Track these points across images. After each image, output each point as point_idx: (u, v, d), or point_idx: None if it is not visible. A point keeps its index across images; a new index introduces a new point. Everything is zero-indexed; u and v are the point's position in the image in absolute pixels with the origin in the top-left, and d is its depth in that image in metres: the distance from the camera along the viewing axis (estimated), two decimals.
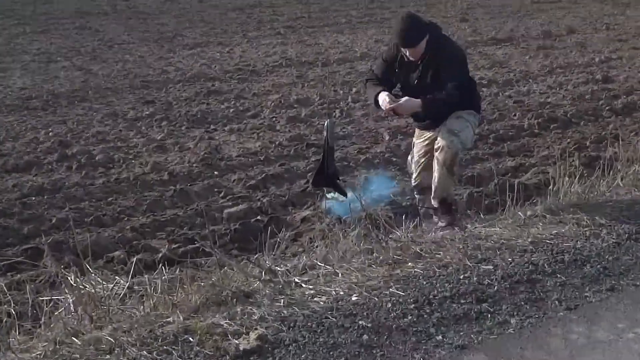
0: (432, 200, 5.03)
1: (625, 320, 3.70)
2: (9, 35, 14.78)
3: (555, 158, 6.42)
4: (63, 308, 3.67)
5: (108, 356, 3.22)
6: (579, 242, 4.59)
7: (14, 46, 13.68)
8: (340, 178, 5.75)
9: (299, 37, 14.87)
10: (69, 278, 3.91)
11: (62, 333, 3.40)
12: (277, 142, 7.87)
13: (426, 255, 4.34)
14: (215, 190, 6.47)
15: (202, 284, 3.84)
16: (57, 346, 3.25)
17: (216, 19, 17.20)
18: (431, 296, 3.90)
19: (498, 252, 4.42)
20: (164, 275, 3.99)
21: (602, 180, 5.43)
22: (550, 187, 5.29)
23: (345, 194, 5.58)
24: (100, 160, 7.17)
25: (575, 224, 4.78)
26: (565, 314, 3.74)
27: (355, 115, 8.96)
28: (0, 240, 5.20)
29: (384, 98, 4.66)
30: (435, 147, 4.86)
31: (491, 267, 4.24)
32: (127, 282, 3.92)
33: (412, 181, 5.30)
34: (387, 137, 7.65)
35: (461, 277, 4.11)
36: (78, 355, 3.21)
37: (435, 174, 4.90)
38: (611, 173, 5.57)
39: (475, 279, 4.09)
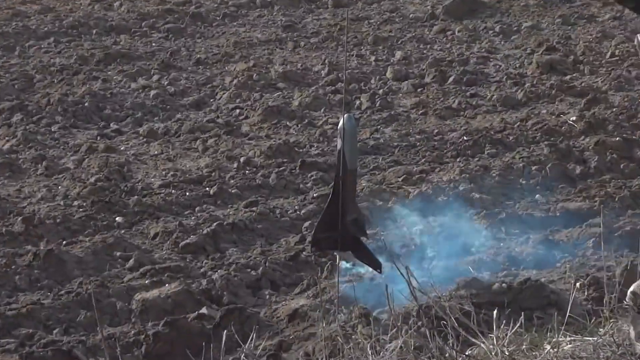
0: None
1: None
2: None
3: None
4: None
5: None
6: None
7: None
8: (369, 233, 4.72)
9: None
10: None
11: None
12: (242, 159, 6.58)
13: None
14: (118, 254, 5.27)
15: None
16: None
17: None
18: None
19: None
20: None
21: None
22: None
23: (378, 266, 4.26)
24: None
25: None
26: None
27: (401, 106, 7.51)
28: None
29: None
30: None
31: None
32: None
33: None
34: None
35: None
36: None
37: None
38: None
39: None
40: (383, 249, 4.92)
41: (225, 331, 4.02)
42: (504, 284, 4.70)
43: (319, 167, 6.52)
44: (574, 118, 7.28)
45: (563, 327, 3.55)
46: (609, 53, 8.69)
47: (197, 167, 6.60)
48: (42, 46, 9.12)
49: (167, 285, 4.89)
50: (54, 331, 4.40)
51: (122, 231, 5.68)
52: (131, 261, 5.18)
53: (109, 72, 8.45)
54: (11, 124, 7.34)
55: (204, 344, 4.03)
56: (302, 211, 5.87)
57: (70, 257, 5.14)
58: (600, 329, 3.65)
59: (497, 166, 6.32)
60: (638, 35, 3.81)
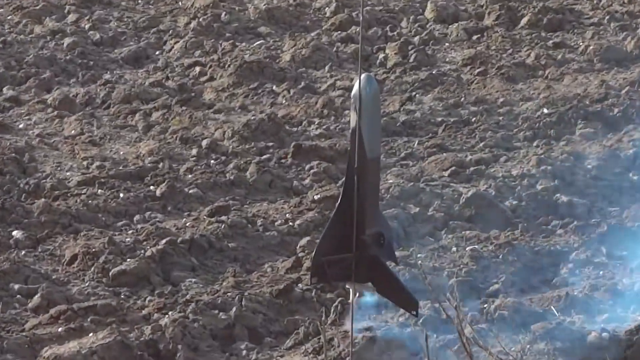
0: None
1: None
2: None
3: None
4: None
5: None
6: None
7: None
8: (398, 255, 4.62)
9: None
10: None
11: None
12: (205, 143, 6.95)
13: None
14: (16, 287, 5.40)
15: None
16: None
17: None
18: None
19: None
20: None
21: None
22: None
23: (413, 305, 3.88)
24: None
25: None
26: None
27: (447, 62, 8.03)
28: None
29: None
30: None
31: None
32: None
33: None
34: None
35: None
36: None
37: None
38: None
39: None
40: (420, 279, 5.11)
41: None
42: (604, 333, 4.75)
43: (322, 154, 6.56)
44: None
45: None
46: None
47: (135, 155, 6.63)
48: None
49: (91, 334, 4.91)
50: None
51: (22, 252, 5.79)
52: (36, 298, 5.28)
53: (1, 11, 8.55)
54: None
55: None
56: (297, 222, 5.87)
57: None
58: None
59: (596, 153, 6.45)
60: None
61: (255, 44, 8.00)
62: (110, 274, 5.33)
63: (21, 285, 5.50)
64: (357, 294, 4.18)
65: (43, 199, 5.96)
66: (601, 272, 5.58)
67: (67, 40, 7.90)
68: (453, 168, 6.32)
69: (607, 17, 8.19)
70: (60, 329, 5.25)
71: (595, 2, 8.60)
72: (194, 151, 6.51)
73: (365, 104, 3.80)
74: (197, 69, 7.73)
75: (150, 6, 8.56)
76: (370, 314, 5.37)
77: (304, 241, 5.69)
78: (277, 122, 6.77)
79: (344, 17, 8.18)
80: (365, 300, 4.68)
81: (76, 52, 7.85)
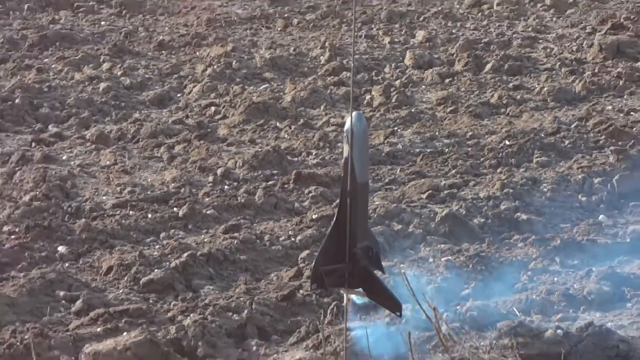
0: None
1: None
2: None
3: None
4: None
5: None
6: None
7: None
8: (385, 265, 4.84)
9: None
10: None
11: None
12: (220, 171, 6.71)
13: None
14: (61, 294, 5.29)
15: None
16: None
17: None
18: None
19: None
20: None
21: None
22: None
23: (397, 307, 4.22)
24: None
25: None
26: None
27: (424, 102, 7.93)
28: None
29: None
30: None
31: None
32: None
33: None
34: None
35: None
36: None
37: None
38: None
39: None
40: (403, 285, 4.81)
41: None
42: (559, 330, 4.82)
43: (319, 180, 6.53)
44: None
45: None
46: None
47: (161, 182, 6.67)
48: None
49: (125, 333, 4.91)
50: None
51: (67, 264, 5.70)
52: (78, 303, 5.17)
53: (46, 60, 8.49)
54: None
55: None
56: (298, 237, 6.00)
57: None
58: None
59: (550, 178, 6.39)
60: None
61: (261, 87, 7.95)
62: (140, 282, 5.35)
63: (65, 292, 5.44)
64: (349, 298, 4.38)
65: (83, 219, 5.94)
66: (555, 279, 5.58)
67: (102, 85, 7.87)
68: (430, 191, 6.32)
69: (559, 64, 8.14)
70: (98, 329, 5.03)
71: (548, 51, 8.59)
72: (211, 178, 6.48)
73: (355, 137, 3.97)
74: (212, 108, 7.68)
75: (172, 56, 8.50)
76: (361, 315, 5.52)
77: (304, 254, 5.71)
78: (280, 153, 6.76)
79: (336, 65, 8.15)
80: (357, 303, 4.76)
81: (110, 95, 7.81)
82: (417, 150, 7.04)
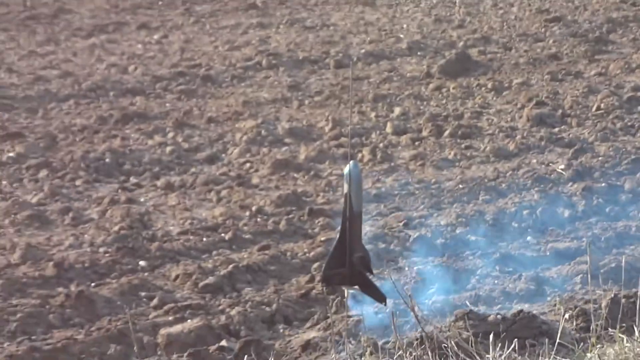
0: None
1: None
2: None
3: None
4: None
5: None
6: None
7: None
8: (374, 270, 4.63)
9: (290, 13, 11.87)
10: None
11: None
12: (254, 208, 6.72)
13: None
14: (143, 294, 5.43)
15: None
16: None
17: None
18: None
19: None
20: None
21: None
22: None
23: (383, 299, 4.35)
24: None
25: None
26: None
27: (400, 158, 7.74)
28: None
29: None
30: None
31: None
32: None
33: None
34: None
35: None
36: None
37: None
38: None
39: None
40: (387, 284, 4.96)
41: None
42: (498, 316, 4.80)
43: (325, 214, 6.68)
44: (563, 167, 7.64)
45: (553, 353, 3.82)
46: (594, 107, 9.02)
47: (212, 216, 6.76)
48: (63, 108, 9.28)
49: (189, 321, 5.09)
50: None
51: (146, 274, 5.80)
52: (155, 300, 5.35)
53: (127, 131, 8.66)
54: (38, 180, 7.37)
55: None
56: (311, 254, 6.02)
57: (99, 297, 5.36)
58: (587, 354, 3.91)
59: (492, 212, 6.51)
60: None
61: (283, 149, 8.01)
62: (199, 285, 5.48)
63: (146, 292, 5.59)
64: (349, 293, 4.67)
65: (157, 242, 6.06)
66: (496, 281, 5.67)
67: (168, 148, 7.96)
68: (405, 221, 6.44)
69: (498, 130, 8.31)
70: (170, 318, 5.17)
71: (490, 121, 8.58)
72: (247, 213, 6.58)
73: (352, 178, 4.18)
74: (248, 164, 7.74)
75: (218, 127, 8.53)
76: (357, 306, 5.37)
77: (315, 265, 5.79)
78: (297, 195, 6.91)
79: (336, 132, 8.20)
80: (353, 300, 5.03)
81: (174, 155, 7.89)
82: (396, 192, 7.08)
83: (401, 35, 11.31)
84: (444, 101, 9.43)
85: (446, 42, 10.95)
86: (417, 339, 4.26)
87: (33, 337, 4.81)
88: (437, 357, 3.86)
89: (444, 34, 11.38)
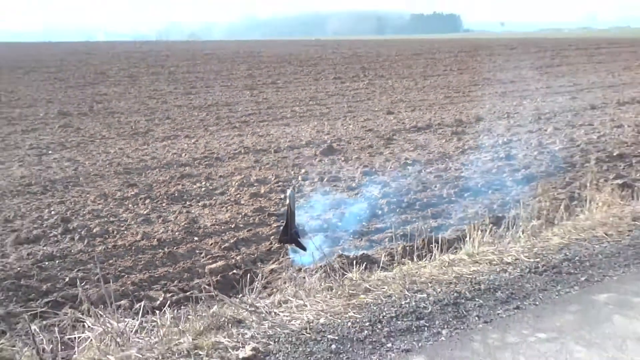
0: None
1: (529, 328, 4.76)
2: (2, 133, 15.88)
3: (469, 218, 7.98)
4: (92, 338, 4.43)
5: None
6: (491, 275, 5.70)
7: (9, 142, 14.62)
8: (303, 238, 6.85)
9: (252, 129, 16.31)
10: (87, 321, 4.66)
11: (97, 356, 4.24)
12: (243, 213, 8.81)
13: (374, 289, 5.29)
14: (197, 252, 7.39)
15: (204, 314, 4.66)
16: None
17: (180, 116, 18.74)
18: (381, 317, 4.88)
19: (429, 285, 5.44)
20: (167, 315, 4.73)
21: (507, 232, 6.73)
22: (468, 239, 6.47)
23: (304, 249, 6.55)
24: (97, 232, 7.93)
25: (488, 263, 5.96)
26: (484, 326, 4.80)
27: (305, 190, 10.09)
28: (24, 296, 6.09)
29: None
30: None
31: (425, 295, 5.26)
32: (137, 320, 4.71)
33: None
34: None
35: (402, 303, 5.10)
36: None
37: None
38: (514, 227, 6.79)
39: (413, 303, 5.10)
40: (311, 241, 6.68)
41: (245, 278, 5.76)
42: (353, 254, 6.61)
43: (275, 215, 8.43)
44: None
45: (379, 270, 5.60)
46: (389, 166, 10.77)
47: (224, 217, 8.61)
48: (159, 172, 11.34)
49: (218, 262, 6.89)
50: None
51: (197, 244, 7.63)
52: (203, 254, 7.26)
53: (184, 181, 10.64)
54: (145, 203, 9.32)
55: (237, 283, 6.03)
56: (269, 232, 7.92)
57: (179, 254, 7.20)
58: (394, 269, 5.64)
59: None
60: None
61: (253, 188, 10.14)
62: (221, 247, 7.19)
63: (198, 251, 7.04)
64: (288, 247, 6.78)
65: (201, 229, 7.68)
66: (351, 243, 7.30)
67: (202, 188, 9.89)
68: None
69: (348, 178, 10.39)
70: (210, 261, 6.58)
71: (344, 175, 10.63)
72: (240, 215, 8.22)
73: (290, 197, 6.36)
74: (238, 194, 9.66)
75: (223, 179, 10.35)
76: (293, 253, 6.89)
77: (272, 237, 7.46)
78: (263, 208, 8.60)
79: (278, 181, 10.35)
80: (293, 250, 6.75)
81: (205, 191, 9.88)
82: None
83: (302, 138, 14.81)
84: (320, 168, 11.52)
85: (320, 140, 14.18)
86: (321, 265, 5.84)
87: (150, 271, 6.43)
88: (330, 271, 5.43)
89: (321, 137, 14.75)
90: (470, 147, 13.21)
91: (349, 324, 4.83)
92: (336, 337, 4.70)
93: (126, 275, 6.58)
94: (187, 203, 9.54)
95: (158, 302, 5.83)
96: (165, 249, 7.34)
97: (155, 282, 6.45)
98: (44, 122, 17.62)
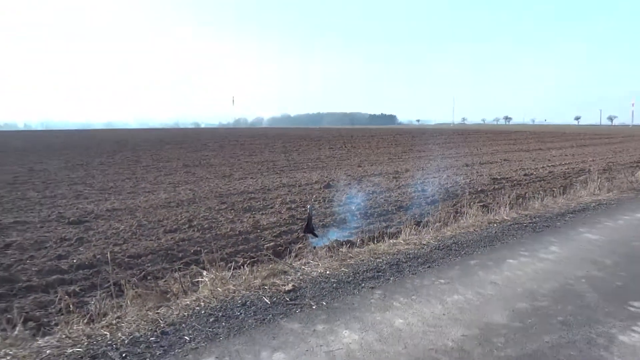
0: None
1: (435, 277, 7.15)
2: (152, 177, 22.36)
3: (404, 222, 10.96)
4: (207, 281, 6.89)
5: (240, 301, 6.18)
6: (416, 250, 8.21)
7: (161, 182, 20.35)
8: (316, 231, 10.45)
9: (286, 174, 22.68)
10: (204, 273, 7.20)
11: (209, 289, 6.78)
12: (283, 218, 12.58)
13: (354, 257, 7.89)
14: (260, 238, 10.94)
15: (265, 268, 7.31)
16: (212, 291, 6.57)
17: (247, 167, 26.44)
18: (360, 271, 7.38)
19: (383, 255, 8.03)
20: (246, 269, 7.39)
21: (423, 229, 9.62)
22: (402, 232, 9.27)
23: (317, 236, 10.00)
24: (206, 227, 11.49)
25: (413, 244, 8.61)
26: (412, 276, 7.23)
27: (315, 206, 13.84)
28: (170, 259, 9.26)
29: None
30: None
31: (381, 260, 7.97)
32: (230, 272, 7.89)
33: None
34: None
35: (369, 264, 7.74)
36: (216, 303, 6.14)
37: None
38: (427, 226, 9.56)
39: (375, 264, 7.78)
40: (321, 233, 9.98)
41: (286, 251, 8.08)
42: (344, 240, 8.82)
43: (302, 219, 10.99)
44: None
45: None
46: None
47: (274, 220, 11.56)
48: (208, 203, 14.21)
49: (272, 242, 9.32)
50: None
51: (261, 233, 10.67)
52: (264, 238, 9.97)
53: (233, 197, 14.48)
54: (228, 212, 12.63)
55: (283, 252, 8.43)
56: (298, 228, 10.63)
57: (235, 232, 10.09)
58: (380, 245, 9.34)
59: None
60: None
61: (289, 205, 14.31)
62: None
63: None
64: (308, 236, 9.85)
65: (257, 227, 10.70)
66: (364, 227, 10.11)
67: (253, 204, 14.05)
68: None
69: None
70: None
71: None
72: (260, 225, 10.92)
73: (309, 208, 10.06)
74: (286, 211, 13.08)
75: (268, 196, 15.34)
76: (312, 239, 9.48)
77: (299, 231, 10.15)
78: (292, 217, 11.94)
79: (301, 200, 13.75)
80: (313, 240, 9.62)
81: (261, 205, 13.61)
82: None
83: (314, 179, 19.86)
84: (323, 195, 15.26)
85: (322, 180, 18.90)
86: (326, 245, 8.42)
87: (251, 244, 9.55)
88: (330, 248, 7.97)
89: (322, 179, 19.42)
90: (402, 184, 18.57)
91: (342, 274, 7.17)
92: (335, 281, 7.00)
93: (223, 249, 9.65)
94: (253, 212, 13.29)
95: (239, 262, 8.56)
96: (243, 236, 10.58)
97: (238, 253, 9.47)
98: (175, 170, 25.19)
